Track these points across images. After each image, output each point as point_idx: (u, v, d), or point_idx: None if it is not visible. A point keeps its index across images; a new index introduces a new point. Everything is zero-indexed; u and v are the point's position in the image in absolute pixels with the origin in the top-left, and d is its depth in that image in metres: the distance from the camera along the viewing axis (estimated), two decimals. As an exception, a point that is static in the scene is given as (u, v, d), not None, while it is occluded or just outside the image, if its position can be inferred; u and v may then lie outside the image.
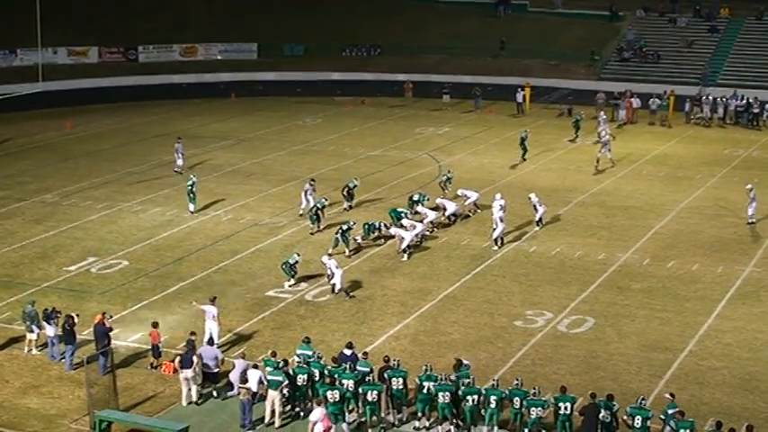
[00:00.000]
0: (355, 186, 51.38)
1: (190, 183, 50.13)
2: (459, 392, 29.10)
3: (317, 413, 28.16)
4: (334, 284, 39.77)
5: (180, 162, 58.17)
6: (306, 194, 49.72)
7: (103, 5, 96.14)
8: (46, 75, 69.51)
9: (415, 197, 49.09)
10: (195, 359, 31.15)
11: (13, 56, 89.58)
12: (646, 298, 39.92)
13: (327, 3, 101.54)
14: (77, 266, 43.10)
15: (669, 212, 51.21)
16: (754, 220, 49.26)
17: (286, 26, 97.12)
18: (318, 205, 47.75)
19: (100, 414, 28.92)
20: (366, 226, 45.78)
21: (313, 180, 51.20)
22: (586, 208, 52.02)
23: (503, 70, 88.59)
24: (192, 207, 50.04)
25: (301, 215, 49.34)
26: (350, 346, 31.61)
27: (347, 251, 44.16)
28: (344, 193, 50.94)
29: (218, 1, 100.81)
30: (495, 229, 45.73)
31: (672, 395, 29.00)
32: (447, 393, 28.98)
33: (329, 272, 39.99)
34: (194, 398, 31.14)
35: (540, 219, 48.29)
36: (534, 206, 48.22)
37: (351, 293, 39.74)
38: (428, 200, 48.91)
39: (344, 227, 44.36)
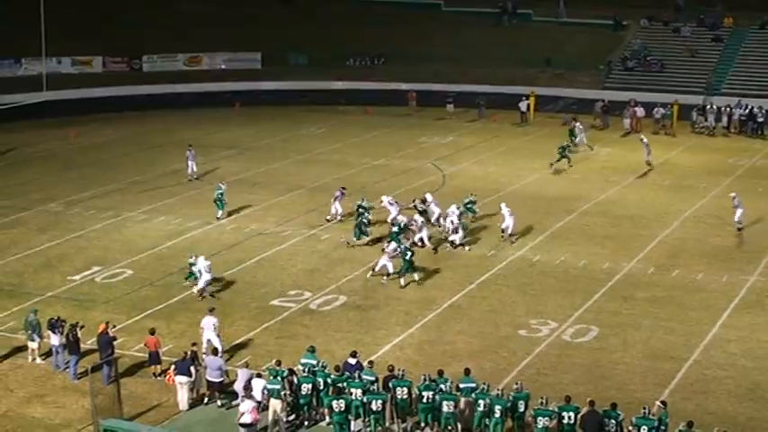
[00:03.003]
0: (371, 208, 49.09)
1: (219, 191, 50.63)
2: (473, 396, 29.08)
3: (247, 405, 28.93)
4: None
5: (190, 170, 58.34)
6: (335, 201, 50.06)
7: (108, 15, 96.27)
8: (50, 84, 69.61)
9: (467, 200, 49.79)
10: (193, 369, 31.14)
11: (18, 65, 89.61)
12: (650, 307, 39.87)
13: (331, 12, 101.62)
14: (81, 276, 43.12)
15: (674, 221, 51.14)
16: (741, 225, 49.24)
17: (290, 35, 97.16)
18: (366, 215, 47.18)
19: (104, 423, 28.94)
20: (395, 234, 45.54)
21: (344, 188, 51.39)
22: (591, 217, 51.98)
23: (507, 79, 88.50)
24: (219, 213, 50.47)
25: (328, 220, 49.36)
26: (354, 354, 31.59)
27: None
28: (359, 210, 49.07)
29: (222, 10, 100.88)
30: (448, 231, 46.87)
31: (663, 403, 28.97)
32: (451, 403, 28.96)
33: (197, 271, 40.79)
34: (185, 406, 31.22)
35: (506, 228, 47.85)
36: (504, 216, 48.02)
37: (213, 294, 40.64)
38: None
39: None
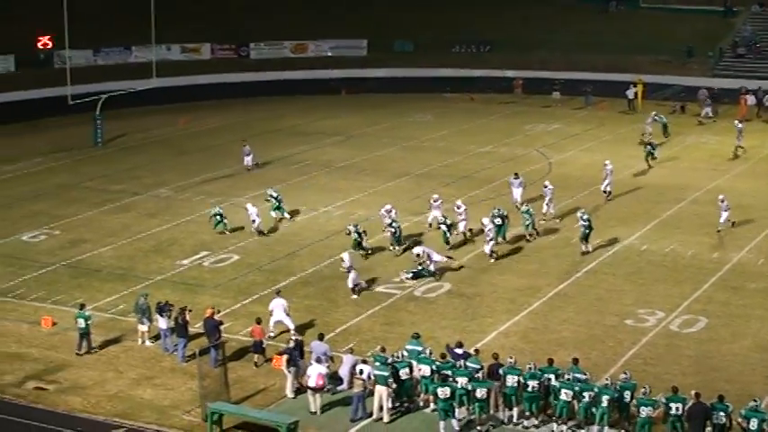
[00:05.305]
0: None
1: (272, 198, 49.06)
2: (576, 388, 28.87)
3: (315, 369, 29.99)
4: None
5: (245, 163, 58.58)
6: (511, 187, 50.55)
7: (216, 3, 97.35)
8: (160, 71, 70.51)
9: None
10: (301, 363, 31.34)
11: (129, 53, 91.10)
12: (762, 298, 39.17)
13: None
14: (190, 260, 43.72)
15: (786, 212, 50.21)
16: (721, 228, 46.93)
17: (396, 22, 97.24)
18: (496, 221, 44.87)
19: (212, 406, 29.33)
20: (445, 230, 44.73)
21: (516, 173, 51.49)
22: (700, 206, 51.18)
23: (614, 67, 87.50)
24: (284, 215, 49.15)
25: (518, 207, 48.59)
26: (460, 345, 31.55)
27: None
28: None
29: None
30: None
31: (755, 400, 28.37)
32: (570, 392, 28.77)
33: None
34: (290, 393, 31.51)
35: (607, 188, 51.39)
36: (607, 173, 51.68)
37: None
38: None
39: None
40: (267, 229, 47.12)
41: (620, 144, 64.79)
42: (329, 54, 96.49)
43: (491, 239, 43.41)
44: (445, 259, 42.15)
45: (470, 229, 45.93)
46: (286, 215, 49.11)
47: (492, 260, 43.07)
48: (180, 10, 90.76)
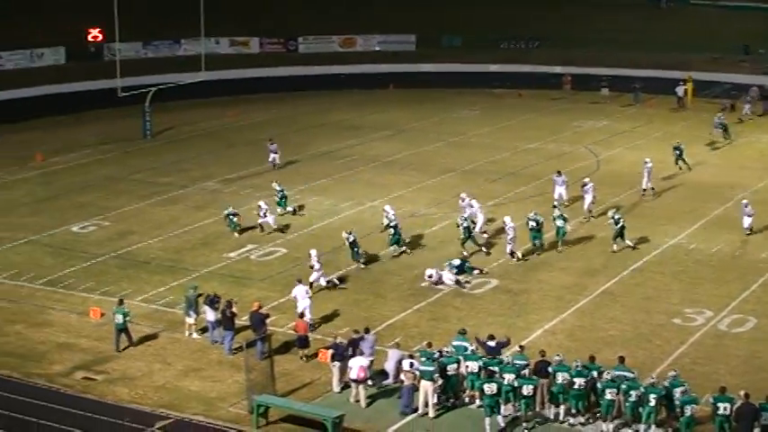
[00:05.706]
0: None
1: (279, 193, 49.31)
2: (623, 387, 28.74)
3: (357, 361, 30.25)
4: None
5: (271, 160, 58.14)
6: (556, 185, 49.90)
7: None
8: (208, 64, 70.84)
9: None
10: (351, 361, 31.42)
11: (178, 46, 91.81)
12: (811, 299, 38.85)
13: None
14: (237, 253, 43.88)
15: (836, 211, 49.63)
16: (749, 231, 46.13)
17: (444, 18, 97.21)
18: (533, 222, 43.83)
19: (258, 398, 29.48)
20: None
21: (559, 171, 51.00)
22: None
23: (663, 64, 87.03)
24: (289, 209, 49.21)
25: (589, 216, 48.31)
26: (492, 337, 31.52)
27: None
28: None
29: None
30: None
31: None
32: (614, 390, 28.68)
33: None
34: (336, 387, 31.58)
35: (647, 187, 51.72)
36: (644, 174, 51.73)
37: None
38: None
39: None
40: (279, 225, 46.95)
41: (669, 141, 64.17)
42: (377, 49, 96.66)
43: (512, 238, 42.88)
44: (454, 279, 40.69)
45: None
46: (289, 209, 49.24)
47: (514, 260, 42.81)
48: (229, 3, 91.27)
